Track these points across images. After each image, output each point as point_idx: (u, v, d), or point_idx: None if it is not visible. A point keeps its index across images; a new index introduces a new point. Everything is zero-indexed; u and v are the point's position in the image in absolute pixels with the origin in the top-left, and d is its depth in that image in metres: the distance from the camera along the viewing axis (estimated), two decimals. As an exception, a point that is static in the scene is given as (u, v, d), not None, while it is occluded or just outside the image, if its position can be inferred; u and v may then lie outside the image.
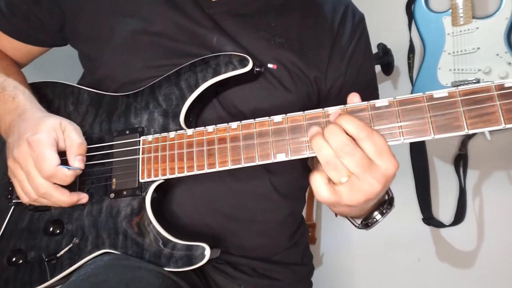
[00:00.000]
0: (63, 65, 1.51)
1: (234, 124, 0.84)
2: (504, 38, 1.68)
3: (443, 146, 1.94)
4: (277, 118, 0.80)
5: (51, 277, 0.95)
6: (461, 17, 1.75)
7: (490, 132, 1.66)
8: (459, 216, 1.83)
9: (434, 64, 1.82)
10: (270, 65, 1.00)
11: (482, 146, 1.84)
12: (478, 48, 1.72)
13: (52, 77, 1.15)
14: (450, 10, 1.78)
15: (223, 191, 1.01)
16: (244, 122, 0.83)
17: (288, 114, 0.79)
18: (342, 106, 0.75)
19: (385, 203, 0.87)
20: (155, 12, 1.04)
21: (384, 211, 0.87)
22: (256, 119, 0.82)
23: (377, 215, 0.87)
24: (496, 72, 1.68)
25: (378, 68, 2.05)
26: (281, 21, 1.05)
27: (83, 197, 0.95)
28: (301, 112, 0.78)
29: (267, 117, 0.81)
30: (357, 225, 0.92)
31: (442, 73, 1.79)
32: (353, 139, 0.69)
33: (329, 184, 0.71)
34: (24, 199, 0.93)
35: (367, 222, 0.89)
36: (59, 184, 0.91)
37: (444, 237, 1.91)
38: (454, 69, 1.76)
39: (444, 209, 1.91)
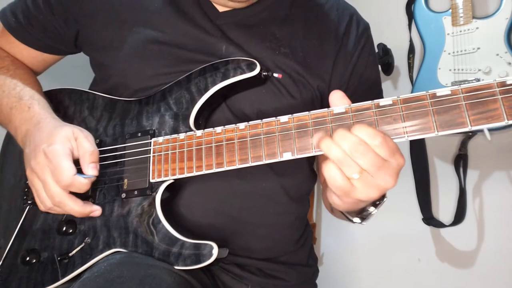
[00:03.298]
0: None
1: (242, 125, 0.86)
2: (504, 38, 1.68)
3: (443, 146, 1.94)
4: (284, 118, 0.82)
5: (63, 276, 0.97)
6: (461, 17, 1.76)
7: (490, 132, 1.66)
8: (459, 216, 1.83)
9: (434, 64, 1.82)
10: (275, 74, 1.03)
11: (482, 146, 1.84)
12: (478, 48, 1.72)
13: (61, 83, 1.19)
14: (450, 10, 1.78)
15: (231, 193, 1.02)
16: (252, 122, 0.85)
17: (294, 115, 0.81)
18: (347, 105, 0.76)
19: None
20: (165, 22, 1.07)
21: (377, 203, 0.87)
22: (263, 120, 0.84)
23: (370, 207, 0.88)
24: (496, 72, 1.68)
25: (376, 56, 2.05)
26: (285, 32, 1.08)
27: (96, 210, 0.97)
28: (307, 112, 0.80)
29: (274, 118, 0.83)
30: (352, 219, 0.93)
31: (442, 73, 1.80)
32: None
33: (343, 173, 0.73)
34: (41, 207, 0.96)
35: (361, 215, 0.90)
36: (74, 194, 0.94)
37: (444, 237, 1.91)
38: (454, 69, 1.77)
39: (444, 209, 1.91)
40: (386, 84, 2.12)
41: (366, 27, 1.16)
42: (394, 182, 0.73)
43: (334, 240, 2.10)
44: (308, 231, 1.25)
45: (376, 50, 2.00)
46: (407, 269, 1.96)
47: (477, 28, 1.73)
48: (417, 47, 1.99)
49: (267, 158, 0.81)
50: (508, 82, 0.67)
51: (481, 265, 1.83)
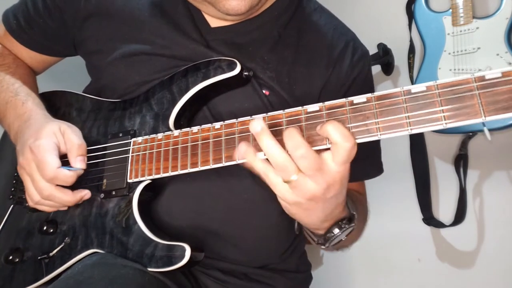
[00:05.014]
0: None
1: (217, 124, 0.85)
2: (504, 38, 1.67)
3: (444, 146, 1.93)
4: (258, 117, 0.80)
5: (44, 276, 0.98)
6: (461, 17, 1.75)
7: (490, 131, 1.65)
8: (459, 216, 1.82)
9: (434, 64, 1.81)
10: (263, 91, 1.02)
11: (482, 146, 1.83)
12: (478, 48, 1.71)
13: (59, 83, 1.24)
14: (450, 10, 1.77)
15: (214, 198, 1.01)
16: (227, 122, 0.84)
17: (268, 113, 0.79)
18: (321, 103, 0.75)
19: (344, 219, 0.87)
20: (155, 31, 1.06)
21: (342, 226, 0.86)
22: (239, 119, 0.83)
23: (335, 229, 0.86)
24: (496, 71, 1.67)
25: (378, 68, 2.05)
26: (274, 56, 1.05)
27: (85, 193, 0.98)
28: (281, 111, 0.78)
29: (249, 117, 0.82)
30: (315, 240, 0.92)
31: (442, 73, 1.78)
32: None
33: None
34: (29, 202, 0.98)
35: (325, 236, 0.88)
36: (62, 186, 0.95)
37: (444, 237, 1.90)
38: (454, 69, 1.76)
39: (444, 209, 1.90)
40: (386, 84, 2.11)
41: (363, 55, 1.12)
42: (323, 191, 0.72)
43: (334, 240, 2.09)
44: (300, 239, 1.22)
45: (376, 50, 2.00)
46: (407, 269, 1.94)
47: (477, 28, 1.72)
48: (417, 47, 1.98)
49: (240, 158, 0.79)
50: (486, 77, 0.64)
51: (482, 265, 1.81)
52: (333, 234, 0.87)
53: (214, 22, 1.06)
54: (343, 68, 1.07)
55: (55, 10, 1.12)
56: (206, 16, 1.06)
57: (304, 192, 0.72)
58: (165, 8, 1.08)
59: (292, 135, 0.68)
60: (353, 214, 0.89)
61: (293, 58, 1.06)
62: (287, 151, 0.69)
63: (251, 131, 0.72)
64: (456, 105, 0.65)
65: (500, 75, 0.64)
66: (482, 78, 0.65)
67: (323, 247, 0.91)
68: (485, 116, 0.64)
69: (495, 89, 0.64)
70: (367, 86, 1.15)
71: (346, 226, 0.86)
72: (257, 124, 0.70)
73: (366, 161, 1.12)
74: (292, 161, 0.69)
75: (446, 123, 0.66)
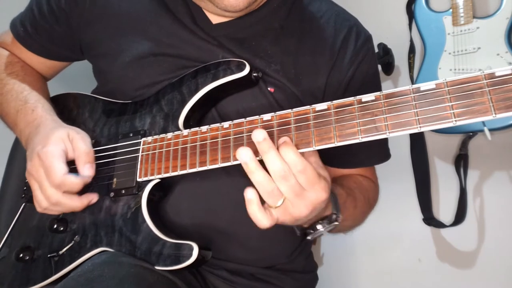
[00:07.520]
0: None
1: (226, 124, 0.86)
2: (504, 37, 1.67)
3: (444, 146, 1.93)
4: (267, 116, 0.81)
5: (53, 274, 0.99)
6: (462, 16, 1.75)
7: (491, 131, 1.65)
8: (460, 216, 1.82)
9: (434, 64, 1.81)
10: (268, 88, 1.02)
11: (482, 146, 1.82)
12: (479, 48, 1.71)
13: (70, 87, 1.25)
14: (451, 10, 1.77)
15: (223, 197, 1.02)
16: (236, 121, 0.85)
17: (277, 112, 0.80)
18: (329, 102, 0.75)
19: (325, 218, 0.88)
20: (162, 31, 1.07)
21: (324, 225, 0.88)
22: (247, 118, 0.83)
23: (318, 225, 0.88)
24: (496, 71, 1.67)
25: (378, 68, 2.04)
26: (277, 48, 1.05)
27: (93, 197, 0.99)
28: (290, 110, 0.79)
29: (258, 116, 0.82)
30: (297, 232, 0.94)
31: (442, 73, 1.78)
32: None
33: (265, 211, 0.76)
34: (38, 208, 0.98)
35: (306, 231, 0.90)
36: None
37: (444, 237, 1.89)
38: (455, 69, 1.76)
39: (445, 209, 1.90)
40: (387, 84, 2.10)
41: (367, 39, 1.12)
42: (308, 213, 0.76)
43: (334, 240, 2.09)
44: (307, 240, 1.22)
45: (377, 50, 2.00)
46: (407, 269, 1.94)
47: (477, 28, 1.72)
48: (418, 47, 1.98)
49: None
50: (496, 74, 0.64)
51: (482, 265, 1.80)
52: (313, 231, 0.89)
53: (215, 19, 1.07)
54: (348, 54, 1.07)
55: (60, 14, 1.13)
56: (207, 13, 1.07)
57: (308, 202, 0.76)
58: (169, 6, 1.08)
59: (274, 158, 0.73)
60: (333, 214, 0.89)
61: (297, 47, 1.06)
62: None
63: (253, 139, 0.74)
64: (466, 102, 0.65)
65: (510, 72, 0.64)
66: (492, 75, 0.65)
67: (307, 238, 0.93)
68: (495, 114, 0.64)
69: (505, 86, 0.64)
70: (373, 70, 1.14)
71: (326, 225, 0.88)
72: (259, 134, 0.74)
73: (372, 147, 1.12)
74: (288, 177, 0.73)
75: (456, 121, 0.66)
